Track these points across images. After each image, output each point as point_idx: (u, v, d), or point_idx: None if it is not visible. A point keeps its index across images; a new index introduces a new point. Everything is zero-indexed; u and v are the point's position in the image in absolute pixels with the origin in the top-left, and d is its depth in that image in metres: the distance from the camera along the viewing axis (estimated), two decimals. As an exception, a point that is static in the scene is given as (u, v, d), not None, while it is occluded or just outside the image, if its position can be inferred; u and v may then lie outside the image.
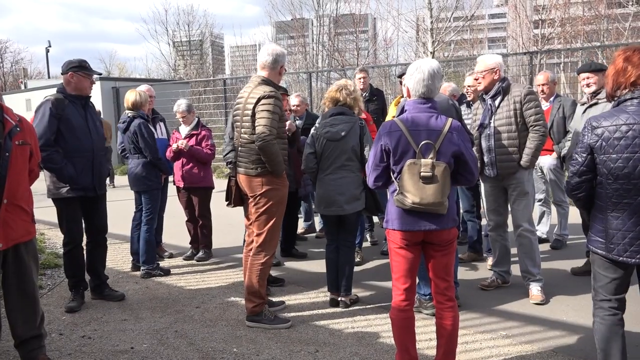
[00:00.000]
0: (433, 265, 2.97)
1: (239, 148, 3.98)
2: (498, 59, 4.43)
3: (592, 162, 2.60)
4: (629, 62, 2.55)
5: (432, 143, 2.80)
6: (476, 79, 4.52)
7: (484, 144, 4.45)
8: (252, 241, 4.02)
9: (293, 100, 6.43)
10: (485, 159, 4.45)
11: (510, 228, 4.55)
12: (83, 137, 4.33)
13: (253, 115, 3.79)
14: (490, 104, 4.43)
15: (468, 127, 4.53)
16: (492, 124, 4.39)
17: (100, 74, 4.62)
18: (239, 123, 3.95)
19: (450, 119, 2.89)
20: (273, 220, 3.93)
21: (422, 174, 2.77)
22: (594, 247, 2.69)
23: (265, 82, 3.89)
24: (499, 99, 4.40)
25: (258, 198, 3.90)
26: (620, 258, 2.56)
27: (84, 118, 4.37)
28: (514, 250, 4.64)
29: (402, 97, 4.78)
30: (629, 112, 2.49)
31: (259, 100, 3.76)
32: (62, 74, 4.44)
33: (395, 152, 2.87)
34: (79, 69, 4.37)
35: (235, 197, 4.05)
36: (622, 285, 2.66)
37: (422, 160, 2.78)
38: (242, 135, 3.92)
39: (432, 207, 2.79)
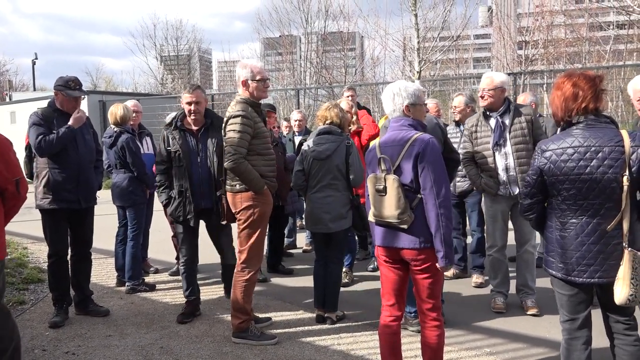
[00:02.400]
0: (416, 287, 2.98)
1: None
2: (505, 78, 4.48)
3: (543, 184, 2.69)
4: (579, 88, 2.60)
5: (387, 157, 2.90)
6: (482, 97, 4.42)
7: (500, 163, 4.40)
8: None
9: (295, 115, 6.72)
10: (502, 178, 4.40)
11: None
12: (69, 149, 4.33)
13: (225, 135, 3.88)
14: (500, 122, 4.39)
15: (455, 145, 4.58)
16: (508, 143, 4.35)
17: (83, 95, 4.49)
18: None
19: (417, 133, 2.92)
20: (255, 237, 3.94)
21: (376, 186, 2.91)
22: (548, 268, 2.76)
23: (243, 100, 3.87)
24: (508, 117, 4.38)
25: (239, 214, 3.93)
26: (569, 277, 2.63)
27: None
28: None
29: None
30: (575, 135, 2.58)
31: (227, 120, 3.85)
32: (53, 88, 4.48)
33: (369, 170, 3.04)
34: (63, 88, 4.37)
35: (228, 213, 4.05)
36: (583, 304, 2.70)
37: (378, 174, 2.92)
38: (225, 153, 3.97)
39: (389, 220, 2.86)
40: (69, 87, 4.37)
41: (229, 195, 3.97)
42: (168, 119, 5.83)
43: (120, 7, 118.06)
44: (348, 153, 4.29)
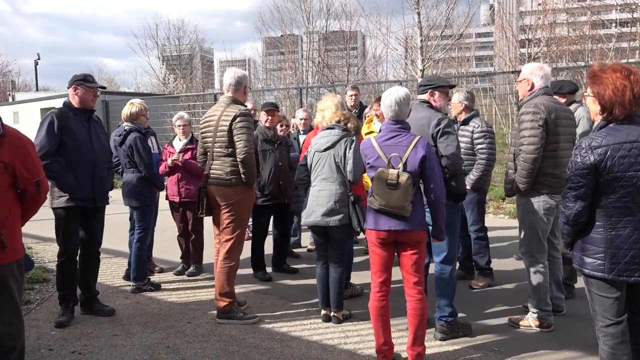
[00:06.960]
0: (404, 263, 3.43)
1: (212, 161, 4.33)
2: (530, 67, 4.02)
3: (596, 184, 2.54)
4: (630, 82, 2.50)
5: (399, 156, 3.31)
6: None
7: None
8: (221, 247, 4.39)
9: (301, 113, 6.78)
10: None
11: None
12: (85, 148, 4.39)
13: (230, 132, 4.18)
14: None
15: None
16: None
17: (104, 87, 4.94)
18: (210, 139, 4.33)
19: (417, 137, 3.36)
20: (241, 227, 4.39)
21: (388, 181, 3.27)
22: (591, 270, 2.61)
23: (235, 101, 4.33)
24: None
25: (231, 206, 4.28)
26: (621, 278, 2.53)
27: (87, 130, 4.44)
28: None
29: (377, 116, 5.46)
30: (624, 131, 2.49)
31: (234, 118, 4.17)
32: (68, 87, 4.54)
33: (369, 164, 3.45)
34: (83, 81, 4.48)
35: (207, 207, 4.38)
36: (624, 304, 2.61)
37: (390, 170, 3.29)
38: (216, 149, 4.29)
39: (395, 210, 3.27)
40: (88, 81, 4.51)
41: (219, 188, 4.26)
42: (178, 116, 5.92)
43: (121, 7, 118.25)
44: (347, 148, 4.28)
